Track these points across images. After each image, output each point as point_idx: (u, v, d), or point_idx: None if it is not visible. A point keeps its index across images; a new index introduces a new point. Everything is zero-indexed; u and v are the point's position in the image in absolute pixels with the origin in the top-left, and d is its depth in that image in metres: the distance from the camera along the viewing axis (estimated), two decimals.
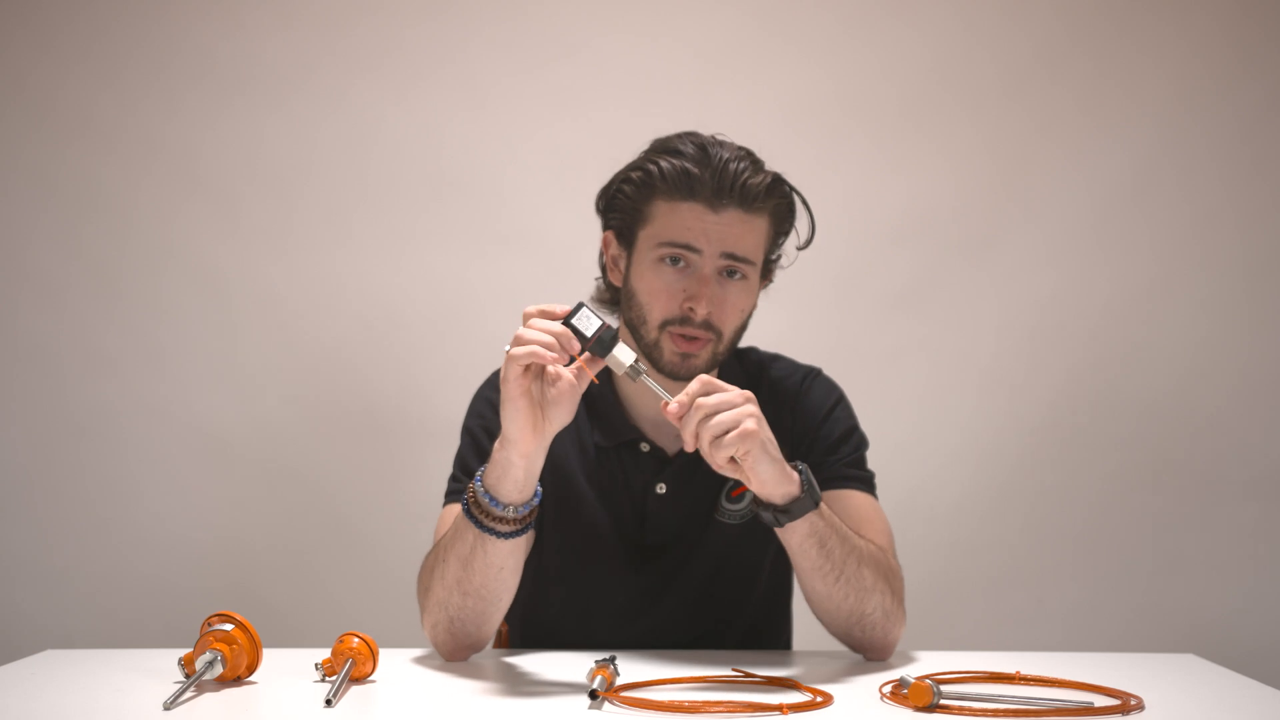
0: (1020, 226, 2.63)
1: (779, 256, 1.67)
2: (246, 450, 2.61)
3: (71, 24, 2.61)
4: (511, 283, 2.59)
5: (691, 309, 1.55)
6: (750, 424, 1.35)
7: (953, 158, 2.64)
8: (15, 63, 2.60)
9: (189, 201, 2.61)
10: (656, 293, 1.57)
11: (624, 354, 1.37)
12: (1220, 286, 2.63)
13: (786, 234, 1.65)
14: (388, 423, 2.61)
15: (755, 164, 1.58)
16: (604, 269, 1.68)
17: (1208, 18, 2.62)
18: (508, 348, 1.36)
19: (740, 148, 1.59)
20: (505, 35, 2.63)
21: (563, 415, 1.39)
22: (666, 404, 1.36)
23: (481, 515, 1.42)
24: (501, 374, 1.37)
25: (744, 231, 1.56)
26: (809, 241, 1.66)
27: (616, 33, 2.64)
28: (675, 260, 1.56)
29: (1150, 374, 2.63)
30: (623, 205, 1.61)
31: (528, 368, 1.35)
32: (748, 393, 1.38)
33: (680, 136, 1.59)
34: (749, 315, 1.62)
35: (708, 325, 1.56)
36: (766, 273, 1.66)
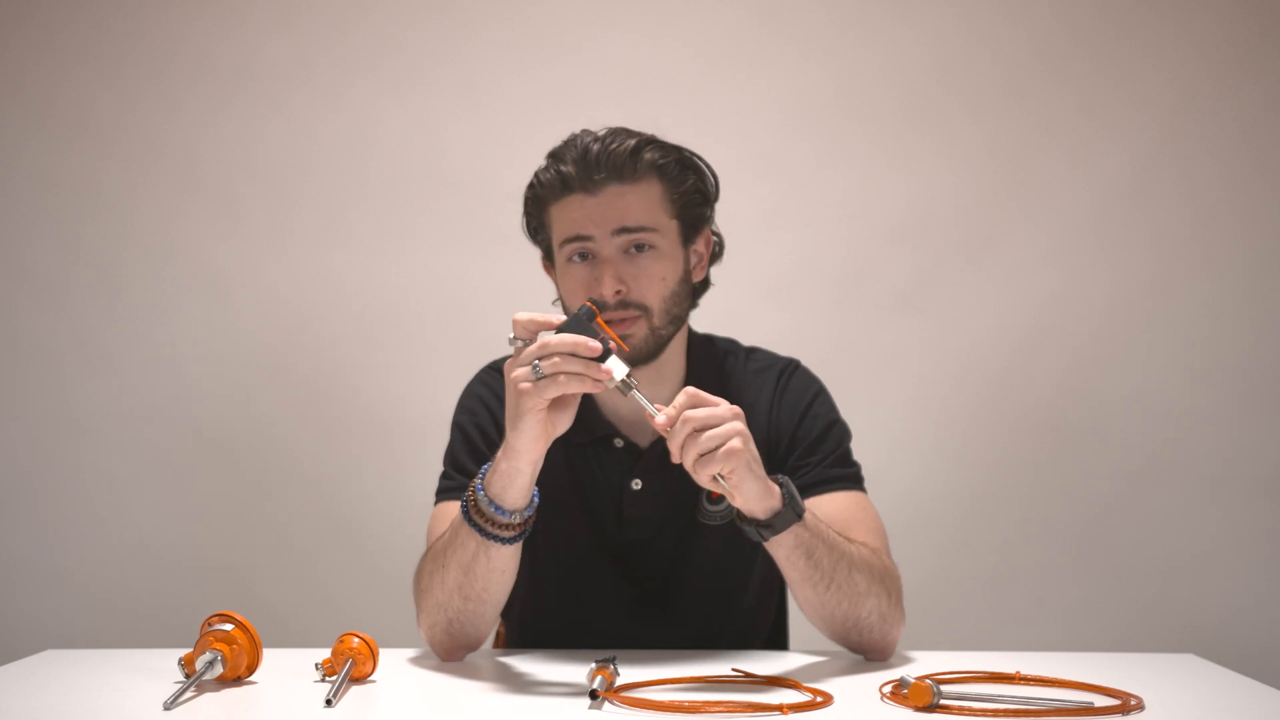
0: (1020, 226, 2.63)
1: (706, 212, 1.63)
2: (246, 450, 2.61)
3: (71, 24, 2.61)
4: (511, 283, 2.56)
5: (601, 294, 1.54)
6: (736, 443, 1.34)
7: (953, 158, 2.64)
8: (15, 63, 2.60)
9: (189, 201, 2.61)
10: (572, 291, 1.58)
11: (617, 368, 1.36)
12: (1220, 286, 2.63)
13: (695, 191, 1.61)
14: (387, 422, 2.61)
15: (623, 136, 1.56)
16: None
17: (1208, 18, 2.62)
18: (512, 336, 1.35)
19: (615, 128, 1.58)
20: (505, 35, 2.63)
21: (566, 420, 1.41)
22: (653, 416, 1.35)
23: (485, 524, 1.43)
24: (518, 396, 1.36)
25: (628, 203, 1.56)
26: (716, 191, 1.64)
27: (616, 33, 2.64)
28: (583, 256, 1.57)
29: (1150, 374, 2.63)
30: (535, 226, 1.64)
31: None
32: (735, 408, 1.36)
33: (561, 144, 1.60)
34: (677, 283, 1.59)
35: (626, 304, 1.55)
36: (693, 235, 1.63)
